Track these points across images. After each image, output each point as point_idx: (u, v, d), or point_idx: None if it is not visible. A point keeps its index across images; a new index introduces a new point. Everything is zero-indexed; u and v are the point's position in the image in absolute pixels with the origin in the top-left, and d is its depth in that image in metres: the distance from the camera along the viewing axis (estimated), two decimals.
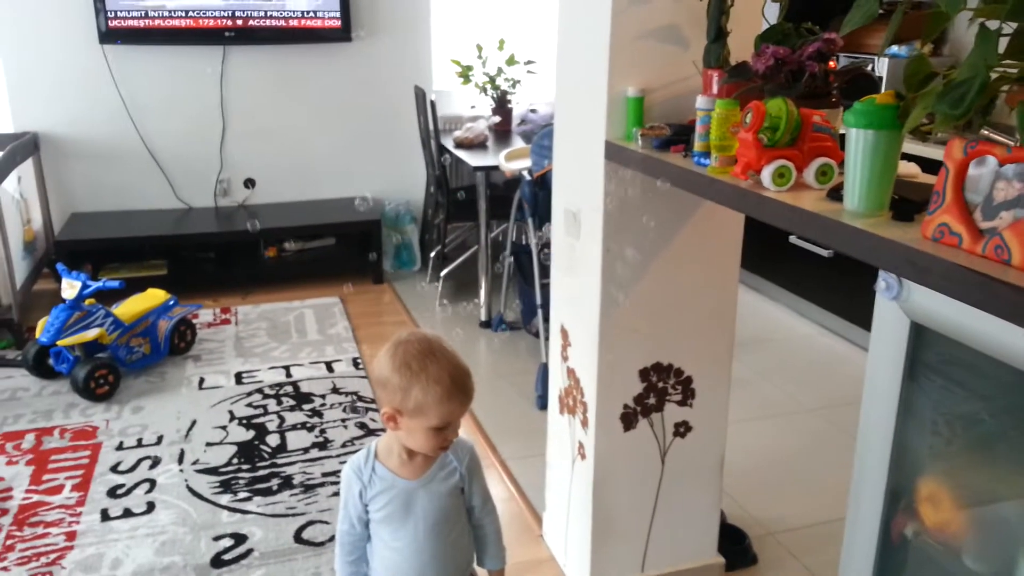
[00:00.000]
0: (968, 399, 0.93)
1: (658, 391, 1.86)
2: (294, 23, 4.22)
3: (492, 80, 4.47)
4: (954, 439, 0.95)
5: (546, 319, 3.12)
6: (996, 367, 0.83)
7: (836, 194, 1.09)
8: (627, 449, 1.87)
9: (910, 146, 1.25)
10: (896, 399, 0.96)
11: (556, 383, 2.08)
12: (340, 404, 2.96)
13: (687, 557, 2.01)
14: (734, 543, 2.13)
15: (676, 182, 1.42)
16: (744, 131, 1.16)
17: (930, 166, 1.13)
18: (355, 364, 3.31)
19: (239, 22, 4.14)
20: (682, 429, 1.90)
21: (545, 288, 3.17)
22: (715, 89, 1.37)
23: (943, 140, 0.94)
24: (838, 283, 3.53)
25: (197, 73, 4.24)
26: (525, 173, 3.21)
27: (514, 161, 3.38)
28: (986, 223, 0.84)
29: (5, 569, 2.05)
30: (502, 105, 4.49)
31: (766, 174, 1.15)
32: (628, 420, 1.86)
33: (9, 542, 2.16)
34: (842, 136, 1.11)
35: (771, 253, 3.77)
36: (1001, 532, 0.89)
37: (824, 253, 3.52)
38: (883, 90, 1.04)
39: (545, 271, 3.17)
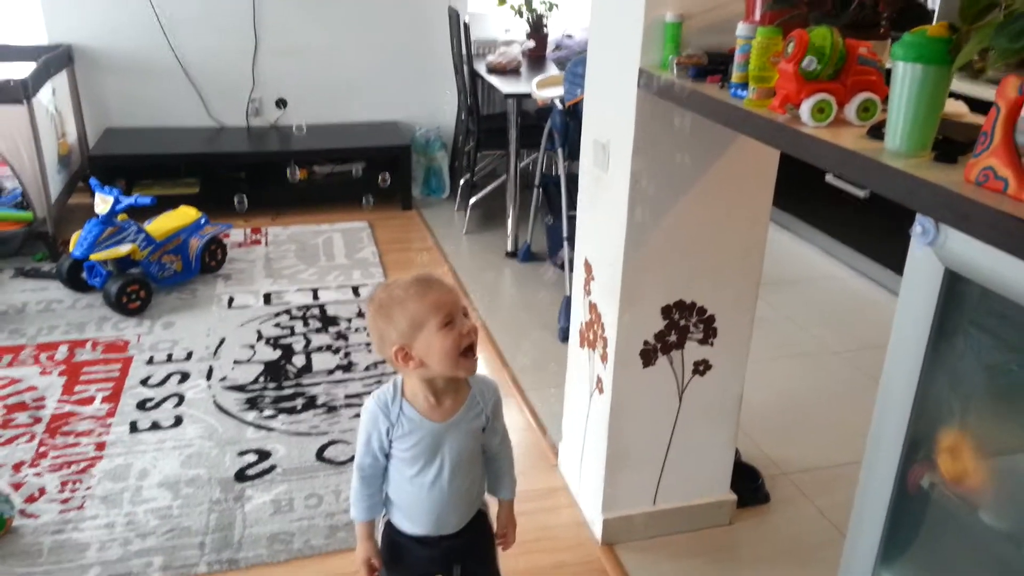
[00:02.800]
0: (998, 349, 0.90)
1: (680, 329, 1.84)
2: None
3: (528, 2, 4.33)
4: (980, 390, 0.92)
5: (572, 251, 3.09)
6: None
7: (878, 132, 1.04)
8: (645, 385, 1.86)
9: (959, 84, 1.18)
10: (923, 347, 0.93)
11: (578, 316, 2.06)
12: (364, 328, 2.99)
13: (699, 492, 2.02)
14: (747, 481, 2.14)
15: (709, 115, 1.36)
16: (785, 61, 1.11)
17: (979, 107, 1.07)
18: None
19: None
20: (702, 368, 1.89)
21: (572, 220, 3.12)
22: (757, 15, 1.30)
23: (995, 79, 0.88)
24: (873, 225, 3.44)
25: None
26: (557, 102, 3.14)
27: (546, 89, 3.30)
28: None
29: (38, 475, 2.13)
30: (537, 30, 4.36)
31: (805, 108, 1.09)
32: (648, 356, 1.84)
33: (42, 449, 2.23)
34: (888, 71, 1.05)
35: (805, 192, 3.67)
36: (1021, 488, 0.87)
37: (860, 194, 3.43)
38: (936, 22, 0.97)
39: (573, 203, 3.12)
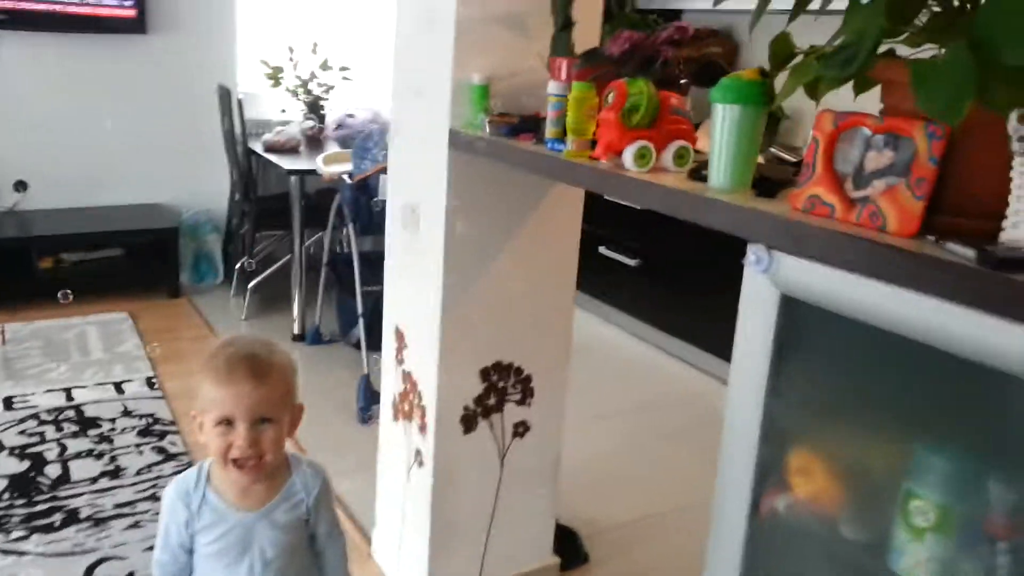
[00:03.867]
0: (836, 368, 0.96)
1: (498, 391, 1.81)
2: (79, 10, 3.78)
3: (304, 84, 4.27)
4: (824, 408, 0.98)
5: (366, 328, 2.99)
6: (866, 334, 0.86)
7: (697, 175, 1.10)
8: (467, 452, 1.80)
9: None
10: (765, 372, 0.97)
11: (389, 389, 1.97)
12: (133, 428, 2.64)
13: (524, 560, 1.97)
14: (566, 543, 2.12)
15: (532, 168, 1.38)
16: (606, 111, 1.15)
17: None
18: (149, 384, 2.97)
19: (9, 3, 3.64)
20: (521, 429, 1.86)
21: (366, 296, 3.04)
22: (564, 75, 1.35)
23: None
24: (645, 290, 3.70)
25: None
26: (345, 177, 3.07)
27: (333, 165, 3.23)
28: (858, 192, 0.87)
29: None
30: (315, 110, 4.30)
31: (628, 154, 1.13)
32: (468, 422, 1.79)
33: None
34: (697, 124, 1.12)
35: (583, 263, 3.88)
36: (874, 499, 0.92)
37: (631, 263, 3.68)
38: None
39: (367, 279, 3.04)
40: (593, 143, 1.25)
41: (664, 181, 1.11)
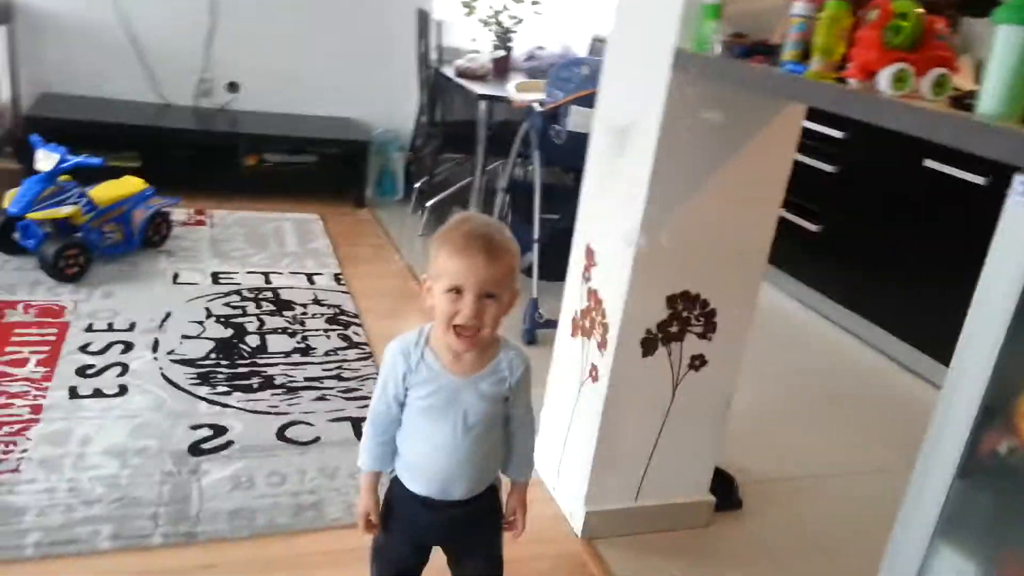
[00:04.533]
0: None
1: (682, 320, 1.82)
2: None
3: (496, 15, 4.34)
4: None
5: (540, 254, 3.06)
6: None
7: (958, 104, 1.06)
8: (642, 375, 1.83)
9: None
10: (1012, 308, 0.93)
11: (571, 304, 2.02)
12: (322, 315, 2.86)
13: (681, 492, 2.00)
14: (723, 486, 2.13)
15: (770, 89, 1.37)
16: (866, 28, 1.11)
17: None
18: (336, 279, 3.20)
19: None
20: (698, 362, 1.87)
21: (543, 223, 3.10)
22: None
23: None
24: (824, 259, 3.55)
25: None
26: (536, 105, 3.12)
27: (525, 93, 3.29)
28: None
29: None
30: (504, 42, 4.37)
31: (885, 75, 1.10)
32: (648, 346, 1.82)
33: None
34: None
35: None
36: None
37: (812, 228, 3.54)
38: None
39: (545, 207, 3.10)
40: (839, 67, 1.22)
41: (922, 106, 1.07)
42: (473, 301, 1.19)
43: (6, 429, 1.95)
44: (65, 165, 2.79)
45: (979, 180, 2.72)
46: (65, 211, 2.80)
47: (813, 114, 3.49)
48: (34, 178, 2.80)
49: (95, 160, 2.87)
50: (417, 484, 1.32)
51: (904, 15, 1.09)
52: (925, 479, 1.04)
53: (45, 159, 2.79)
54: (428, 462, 1.30)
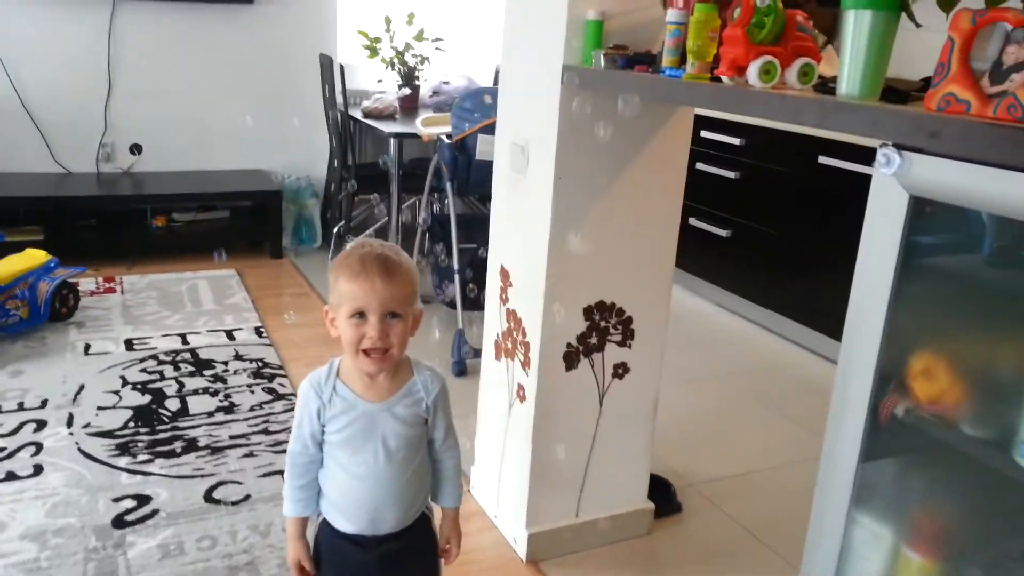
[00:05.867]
0: (965, 268, 0.96)
1: (600, 330, 1.84)
2: None
3: (400, 55, 4.37)
4: (950, 310, 0.98)
5: (461, 285, 3.06)
6: (1002, 229, 0.85)
7: (822, 89, 1.11)
8: (568, 390, 1.85)
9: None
10: (891, 276, 0.97)
11: (492, 328, 2.03)
12: (245, 370, 2.79)
13: (620, 502, 2.01)
14: (660, 492, 2.14)
15: (651, 94, 1.41)
16: (732, 26, 1.16)
17: None
18: (258, 332, 3.13)
19: None
20: (621, 370, 1.90)
21: (463, 253, 3.11)
22: (683, 1, 1.36)
23: None
24: (731, 261, 3.66)
25: (81, 25, 3.92)
26: (444, 137, 3.15)
27: (432, 127, 3.31)
28: (995, 87, 0.87)
29: None
30: (409, 80, 4.40)
31: (753, 69, 1.15)
32: (571, 359, 1.83)
33: None
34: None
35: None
36: (1000, 396, 0.92)
37: (722, 233, 3.64)
38: None
39: (463, 237, 3.11)
40: (712, 67, 1.27)
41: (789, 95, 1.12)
42: (377, 322, 1.19)
43: None
44: None
45: (868, 170, 2.85)
46: None
47: (711, 124, 3.65)
48: None
49: None
50: (345, 522, 1.29)
51: (766, 11, 1.14)
52: (833, 454, 1.07)
53: None
54: (353, 496, 1.28)
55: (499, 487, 2.03)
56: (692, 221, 3.78)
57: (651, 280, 1.87)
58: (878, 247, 0.99)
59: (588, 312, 1.82)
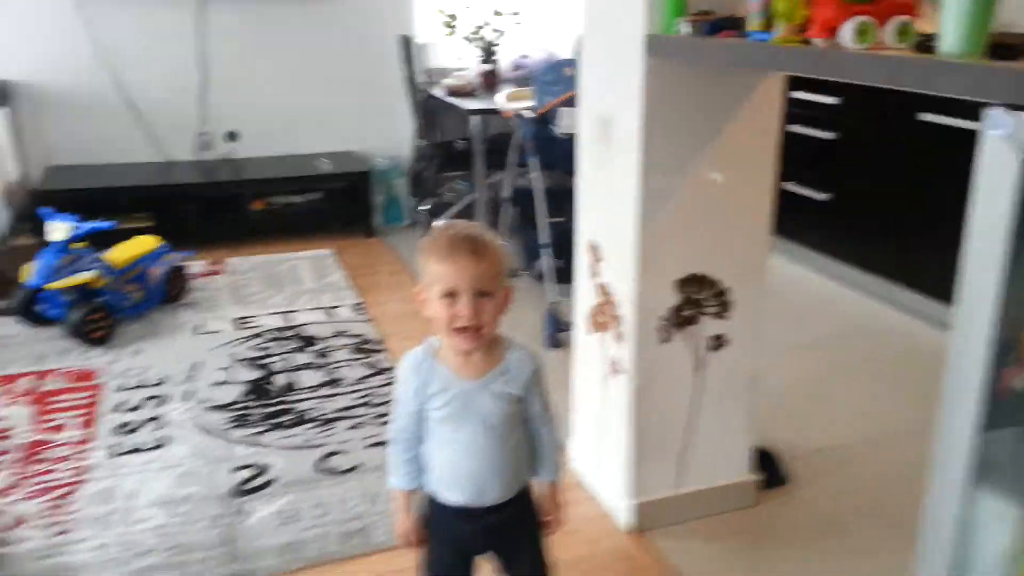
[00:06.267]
0: None
1: (694, 303, 1.84)
2: None
3: (478, 30, 4.39)
4: None
5: (553, 256, 3.09)
6: None
7: (922, 49, 1.07)
8: (664, 363, 1.85)
9: None
10: (1005, 243, 0.94)
11: (583, 303, 2.04)
12: (346, 346, 2.90)
13: (722, 474, 2.00)
14: (767, 463, 2.13)
15: (738, 60, 1.39)
16: None
17: None
18: (357, 309, 3.24)
19: None
20: (717, 343, 1.89)
21: (551, 227, 3.13)
22: None
23: None
24: (837, 226, 3.55)
25: (174, 21, 4.09)
26: (526, 112, 3.16)
27: (514, 102, 3.32)
28: None
29: (16, 503, 1.97)
30: (489, 56, 4.41)
31: (847, 30, 1.12)
32: (664, 333, 1.83)
33: (15, 478, 2.07)
34: None
35: None
36: None
37: (820, 197, 3.53)
38: None
39: (550, 211, 3.13)
40: (802, 28, 1.24)
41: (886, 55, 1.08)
42: (469, 301, 1.22)
43: (53, 494, 2.01)
44: (78, 232, 2.86)
45: (973, 125, 2.71)
46: (84, 277, 2.87)
47: (804, 84, 3.53)
48: (49, 249, 2.87)
49: (106, 224, 2.94)
50: (451, 494, 1.34)
51: None
52: (949, 428, 1.05)
53: (56, 230, 2.86)
54: (458, 469, 1.33)
55: (598, 459, 2.06)
56: (789, 186, 3.67)
57: (747, 250, 1.84)
58: (989, 213, 0.96)
59: (681, 285, 1.81)
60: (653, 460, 1.92)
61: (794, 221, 3.69)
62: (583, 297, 2.05)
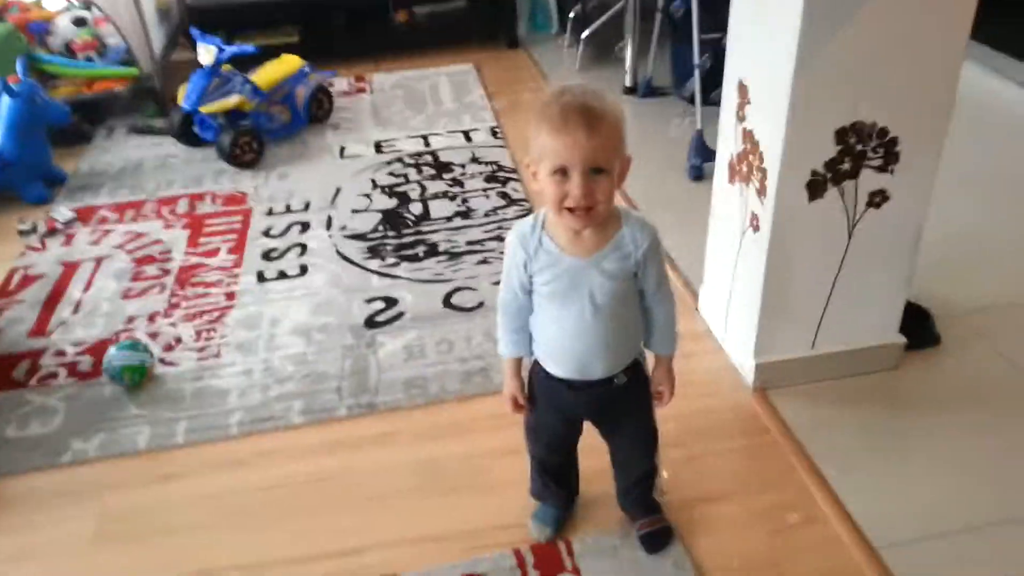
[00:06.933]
0: None
1: (855, 155, 1.60)
2: None
3: None
4: None
5: (702, 80, 2.81)
6: None
7: None
8: (810, 221, 1.66)
9: None
10: None
11: (726, 148, 1.84)
12: (480, 174, 2.85)
13: (864, 336, 1.84)
14: (916, 322, 1.93)
15: None
16: None
17: None
18: (493, 133, 3.15)
19: None
20: (878, 199, 1.66)
21: (703, 45, 2.82)
22: None
23: None
24: None
25: None
26: None
27: None
28: None
29: (172, 325, 2.14)
30: None
31: None
32: (815, 189, 1.62)
33: (174, 300, 2.25)
34: None
35: None
36: None
37: None
38: None
39: (704, 26, 2.80)
40: None
41: None
42: (581, 180, 1.10)
43: (207, 317, 2.17)
44: (222, 56, 2.89)
45: None
46: (233, 101, 2.92)
47: None
48: (198, 72, 2.93)
49: (249, 48, 2.95)
50: (556, 367, 1.30)
51: None
52: None
53: (205, 53, 2.90)
54: (562, 346, 1.28)
55: (728, 312, 1.95)
56: None
57: (927, 98, 1.56)
58: None
59: (841, 135, 1.57)
60: (786, 321, 1.78)
61: (1002, 23, 3.11)
62: (726, 142, 1.84)
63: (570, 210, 1.14)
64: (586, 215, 1.14)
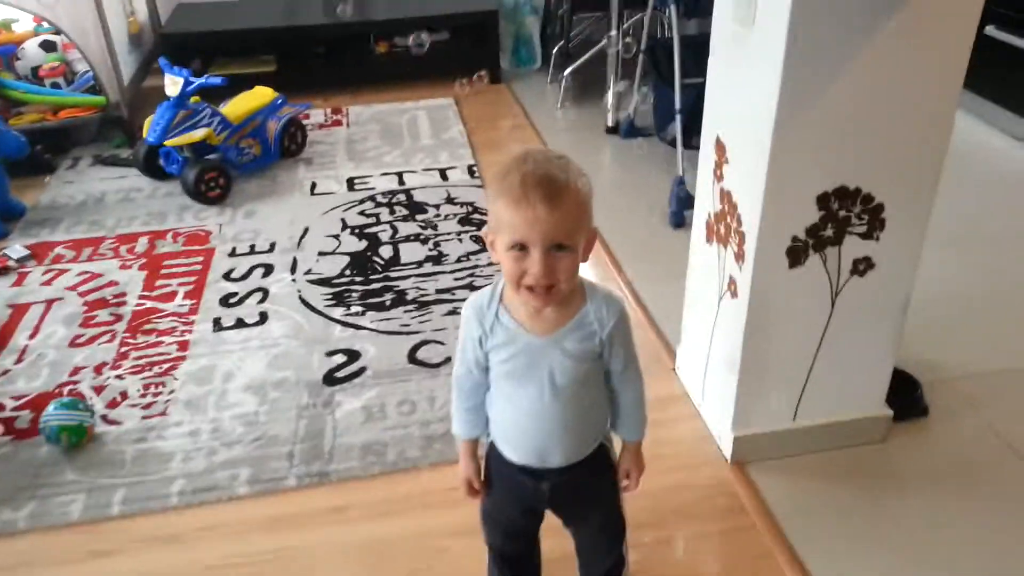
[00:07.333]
0: None
1: (838, 221, 1.51)
2: None
3: None
4: None
5: (684, 125, 2.73)
6: None
7: None
8: (791, 289, 1.56)
9: None
10: None
11: (703, 206, 1.75)
12: (455, 215, 2.75)
13: (849, 407, 1.74)
14: (903, 391, 1.84)
15: None
16: None
17: None
18: (470, 172, 3.05)
19: None
20: (862, 266, 1.57)
21: (686, 89, 2.75)
22: None
23: None
24: None
25: None
26: None
27: None
28: None
29: (120, 378, 2.02)
30: None
31: None
32: (796, 255, 1.53)
33: (124, 349, 2.12)
34: None
35: None
36: None
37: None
38: None
39: (687, 69, 2.73)
40: None
41: None
42: (541, 258, 1.00)
43: (156, 369, 2.05)
44: (189, 89, 2.79)
45: None
46: (199, 134, 2.82)
47: None
48: (165, 104, 2.83)
49: (216, 80, 2.84)
50: (512, 452, 1.20)
51: None
52: None
53: (172, 84, 2.80)
54: (518, 429, 1.17)
55: (705, 376, 1.85)
56: (989, 30, 3.03)
57: (914, 162, 1.47)
58: None
59: (823, 200, 1.48)
60: (765, 392, 1.69)
61: (993, 74, 3.07)
62: (703, 200, 1.75)
63: (529, 288, 1.04)
64: (546, 294, 1.04)
